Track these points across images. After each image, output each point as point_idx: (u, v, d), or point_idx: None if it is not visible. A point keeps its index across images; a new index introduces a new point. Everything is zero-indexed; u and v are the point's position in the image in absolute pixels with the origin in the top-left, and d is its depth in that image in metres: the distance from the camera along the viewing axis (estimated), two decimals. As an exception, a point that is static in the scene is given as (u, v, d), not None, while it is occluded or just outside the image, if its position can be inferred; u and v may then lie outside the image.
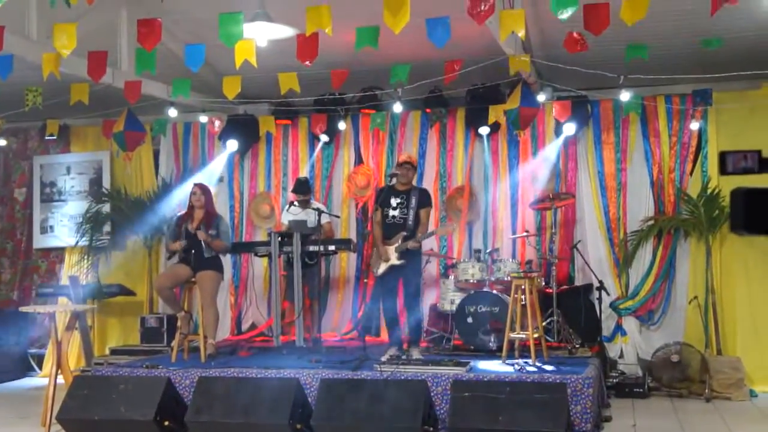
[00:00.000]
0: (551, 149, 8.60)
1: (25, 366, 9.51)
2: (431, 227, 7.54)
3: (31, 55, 6.55)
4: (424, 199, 7.33)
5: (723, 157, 2.18)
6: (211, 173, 9.36)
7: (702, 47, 6.51)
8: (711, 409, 6.92)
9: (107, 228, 9.65)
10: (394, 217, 7.25)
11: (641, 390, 7.37)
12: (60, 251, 10.08)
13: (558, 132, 8.48)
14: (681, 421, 6.41)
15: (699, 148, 8.20)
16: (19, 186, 10.31)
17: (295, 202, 8.38)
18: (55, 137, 9.51)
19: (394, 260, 7.14)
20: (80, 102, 7.32)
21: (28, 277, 10.21)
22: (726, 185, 7.72)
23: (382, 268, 7.19)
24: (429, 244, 8.04)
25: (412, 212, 7.21)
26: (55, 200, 10.09)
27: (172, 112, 8.48)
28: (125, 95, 7.19)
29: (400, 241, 7.14)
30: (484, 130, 8.55)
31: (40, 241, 10.15)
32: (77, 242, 9.56)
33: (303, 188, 8.44)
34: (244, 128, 9.22)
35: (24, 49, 6.51)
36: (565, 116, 8.17)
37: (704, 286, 7.99)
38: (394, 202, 7.27)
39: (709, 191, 7.98)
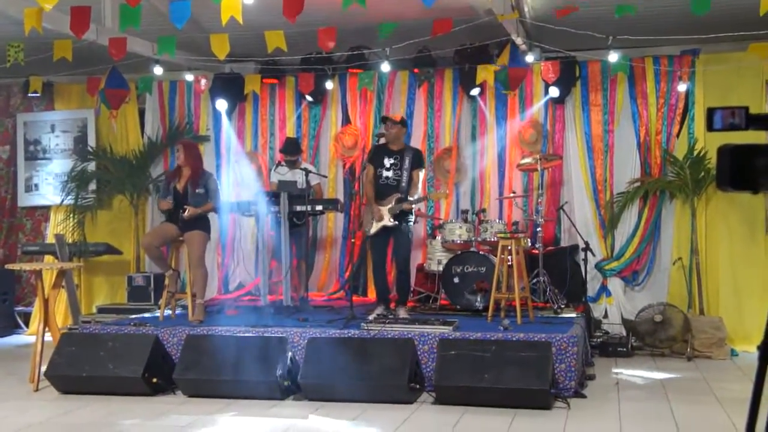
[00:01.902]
0: (537, 110, 8.61)
1: (11, 324, 9.51)
2: (421, 192, 7.49)
3: (12, 9, 6.46)
4: (418, 161, 7.28)
5: (710, 113, 2.18)
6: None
7: (692, 12, 6.49)
8: (692, 368, 7.04)
9: (93, 186, 9.60)
10: (387, 178, 7.21)
11: (625, 349, 7.48)
12: (45, 209, 10.02)
13: (546, 93, 8.48)
14: (663, 380, 6.51)
15: (686, 109, 8.23)
16: (3, 144, 10.20)
17: (283, 162, 8.34)
18: (38, 94, 9.41)
19: (387, 222, 7.13)
20: (64, 59, 7.23)
21: (13, 235, 10.16)
22: (713, 141, 7.77)
23: (374, 228, 7.18)
24: (414, 209, 8.03)
25: (405, 174, 7.17)
26: (39, 158, 10.00)
27: (158, 70, 8.38)
28: (110, 52, 7.10)
29: (393, 203, 7.13)
30: (475, 91, 8.52)
31: (25, 200, 10.08)
32: (63, 201, 9.51)
33: (292, 148, 8.39)
34: (230, 87, 9.15)
35: (5, 3, 6.42)
36: (553, 77, 8.15)
37: (688, 248, 8.07)
38: (387, 162, 7.22)
39: (695, 153, 8.03)
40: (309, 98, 9.04)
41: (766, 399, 2.51)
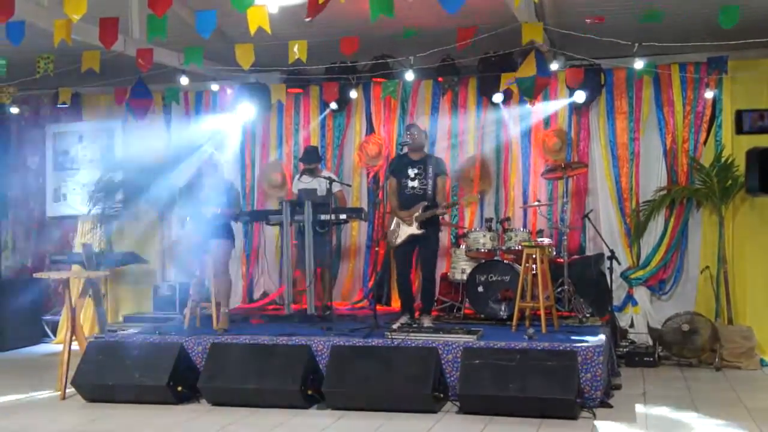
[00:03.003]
0: (562, 118, 8.58)
1: (39, 332, 9.61)
2: (445, 198, 7.49)
3: (42, 21, 6.55)
4: (440, 168, 7.28)
5: (739, 115, 2.18)
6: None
7: (720, 24, 6.42)
8: (721, 378, 6.94)
9: (120, 196, 9.68)
10: (413, 188, 7.18)
11: (651, 359, 7.39)
12: (73, 219, 10.12)
13: (571, 102, 8.44)
14: (690, 390, 6.43)
15: (713, 117, 8.14)
16: (32, 154, 10.33)
17: (305, 171, 8.38)
18: (67, 105, 9.52)
19: (415, 230, 7.11)
20: (92, 70, 7.32)
21: (41, 245, 10.27)
22: (740, 149, 7.66)
23: (401, 237, 7.16)
24: (445, 214, 8.00)
25: (430, 182, 7.16)
26: (67, 168, 10.11)
27: (184, 81, 8.45)
28: (138, 63, 7.18)
29: (420, 211, 7.11)
30: (498, 98, 8.49)
31: (53, 209, 10.19)
32: (90, 210, 9.59)
33: (310, 157, 8.42)
34: (255, 97, 9.20)
35: (35, 15, 6.51)
36: (577, 83, 8.10)
37: (716, 256, 7.97)
38: (411, 172, 7.21)
39: (722, 161, 7.94)
40: (333, 105, 9.03)
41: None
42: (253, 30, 6.05)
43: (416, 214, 7.08)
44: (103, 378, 6.22)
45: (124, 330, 7.79)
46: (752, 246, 7.98)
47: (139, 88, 8.30)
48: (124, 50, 7.21)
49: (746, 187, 2.01)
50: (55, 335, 9.61)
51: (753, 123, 2.14)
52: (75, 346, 6.55)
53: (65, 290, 6.72)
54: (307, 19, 5.85)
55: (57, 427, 5.52)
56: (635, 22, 6.94)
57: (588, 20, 6.39)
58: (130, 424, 5.57)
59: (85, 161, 10.03)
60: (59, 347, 7.58)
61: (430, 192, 7.14)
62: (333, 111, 9.22)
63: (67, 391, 6.34)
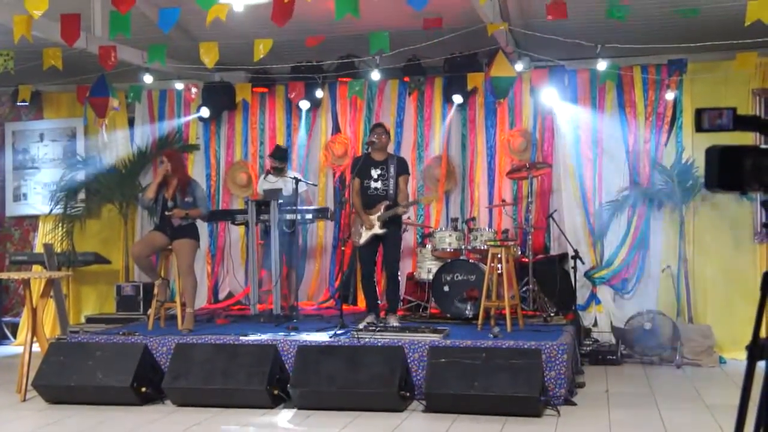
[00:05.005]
0: (526, 119, 8.65)
1: (-1, 334, 9.45)
2: (411, 197, 7.54)
3: (1, 17, 6.43)
4: (403, 167, 7.34)
5: (698, 114, 2.23)
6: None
7: (679, 16, 6.55)
8: (681, 376, 7.05)
9: (82, 196, 9.56)
10: (376, 189, 7.22)
11: (614, 357, 7.48)
12: (34, 219, 9.97)
13: (535, 101, 8.53)
14: (652, 387, 6.53)
15: (674, 118, 8.29)
16: (-10, 153, 10.17)
17: (271, 171, 8.35)
18: (27, 103, 9.38)
19: (377, 229, 7.15)
20: (54, 67, 7.22)
21: (1, 245, 10.10)
22: (700, 150, 7.81)
23: (365, 237, 7.19)
24: (406, 213, 8.05)
25: (392, 182, 7.21)
26: (28, 167, 9.95)
27: (148, 79, 8.37)
28: (100, 61, 7.10)
29: (382, 210, 7.15)
30: (457, 99, 8.54)
31: (13, 209, 10.03)
32: (51, 210, 9.47)
33: (280, 154, 8.40)
34: (220, 96, 9.15)
35: (-6, 11, 6.40)
36: (542, 81, 8.19)
37: (677, 256, 8.10)
38: (374, 173, 7.24)
39: (683, 161, 8.08)
40: (306, 103, 8.94)
41: (753, 404, 2.52)
42: (209, 20, 6.01)
43: (378, 213, 7.13)
44: (65, 379, 6.11)
45: (86, 331, 7.69)
46: (712, 245, 8.13)
47: (99, 86, 8.20)
48: (87, 47, 7.12)
49: (705, 184, 2.06)
50: (15, 337, 9.45)
51: (712, 121, 2.19)
52: (36, 347, 6.44)
53: (26, 291, 6.60)
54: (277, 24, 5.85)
55: (18, 429, 5.42)
56: (598, 23, 7.04)
57: (549, 17, 6.46)
58: (92, 426, 5.49)
59: (46, 160, 9.88)
60: (19, 349, 7.45)
61: (392, 192, 7.20)
62: (299, 111, 9.18)
63: (28, 393, 6.23)
